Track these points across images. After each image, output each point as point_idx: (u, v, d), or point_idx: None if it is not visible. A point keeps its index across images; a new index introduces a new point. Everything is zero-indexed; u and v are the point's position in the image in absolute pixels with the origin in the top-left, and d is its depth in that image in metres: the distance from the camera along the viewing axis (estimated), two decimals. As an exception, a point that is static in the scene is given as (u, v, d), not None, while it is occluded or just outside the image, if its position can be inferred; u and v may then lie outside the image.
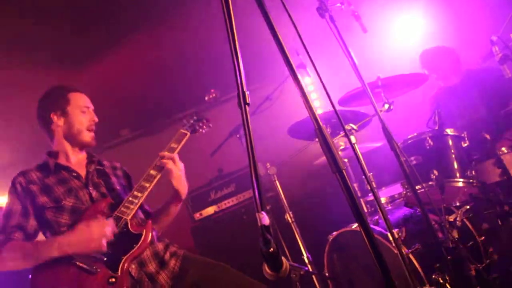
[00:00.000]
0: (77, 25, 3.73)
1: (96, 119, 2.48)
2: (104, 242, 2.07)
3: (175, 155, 2.41)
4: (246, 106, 1.17)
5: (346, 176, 1.22)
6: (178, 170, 2.38)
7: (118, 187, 2.43)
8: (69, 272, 2.03)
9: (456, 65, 3.90)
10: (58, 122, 2.41)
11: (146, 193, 2.28)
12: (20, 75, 3.84)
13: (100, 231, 2.07)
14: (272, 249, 1.09)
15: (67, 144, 2.42)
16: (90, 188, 2.34)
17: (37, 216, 2.23)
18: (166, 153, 2.40)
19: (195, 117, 2.74)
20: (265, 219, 1.05)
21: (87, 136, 2.43)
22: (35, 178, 2.31)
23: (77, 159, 2.44)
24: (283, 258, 1.19)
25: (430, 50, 3.98)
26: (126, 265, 2.08)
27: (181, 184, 2.40)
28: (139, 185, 2.30)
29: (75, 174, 2.36)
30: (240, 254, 3.90)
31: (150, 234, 2.19)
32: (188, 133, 2.61)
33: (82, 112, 2.44)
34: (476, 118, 3.71)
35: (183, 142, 2.53)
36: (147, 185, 2.29)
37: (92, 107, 2.50)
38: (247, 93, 1.20)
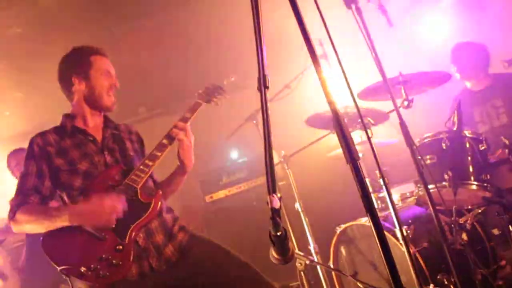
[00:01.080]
0: (99, 3, 3.75)
1: (117, 84, 2.46)
2: (114, 217, 2.09)
3: (187, 126, 2.41)
4: (266, 90, 1.18)
5: (360, 167, 1.22)
6: (187, 142, 2.38)
7: (132, 153, 2.44)
8: (78, 237, 2.07)
9: (485, 66, 3.76)
10: (80, 85, 2.40)
11: (157, 162, 2.29)
12: (41, 50, 3.88)
13: (112, 207, 2.09)
14: (280, 232, 1.10)
15: (86, 107, 2.42)
16: (105, 153, 2.35)
17: (52, 178, 2.27)
18: (179, 123, 2.40)
19: (210, 87, 2.71)
20: (276, 202, 1.06)
21: (108, 101, 2.42)
22: (51, 140, 2.32)
23: (94, 123, 2.44)
24: (290, 243, 1.20)
25: (462, 44, 3.83)
26: (134, 233, 2.11)
27: (188, 156, 2.40)
28: (151, 154, 2.31)
29: (91, 138, 2.37)
30: (248, 238, 3.94)
31: (159, 204, 2.21)
32: (203, 103, 2.59)
33: (103, 76, 2.42)
34: (497, 125, 3.65)
35: (197, 112, 2.52)
36: (159, 154, 2.30)
37: (113, 71, 2.48)
38: (267, 76, 1.20)
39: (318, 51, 3.44)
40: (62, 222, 2.09)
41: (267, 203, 1.10)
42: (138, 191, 2.20)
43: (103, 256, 2.03)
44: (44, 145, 2.29)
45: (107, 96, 2.42)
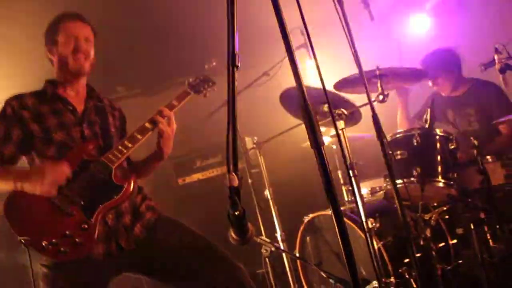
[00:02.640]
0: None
1: (86, 48, 2.35)
2: (54, 189, 2.04)
3: (172, 114, 2.37)
4: (235, 68, 1.16)
5: (324, 153, 1.22)
6: (169, 130, 2.34)
7: (112, 129, 2.39)
8: (45, 209, 2.03)
9: (455, 71, 3.72)
10: (51, 52, 2.37)
11: (136, 145, 2.24)
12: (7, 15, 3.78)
13: (53, 176, 2.04)
14: (238, 212, 1.10)
15: (62, 75, 2.36)
16: (84, 125, 2.29)
17: (22, 143, 2.21)
18: (165, 110, 2.36)
19: (201, 77, 2.67)
20: (234, 181, 1.06)
21: (74, 64, 2.31)
22: (29, 103, 2.26)
23: (75, 92, 2.38)
24: (249, 224, 1.20)
25: (431, 55, 3.74)
26: (101, 214, 2.08)
27: (167, 145, 2.37)
28: (132, 136, 2.26)
29: (71, 108, 2.31)
30: (217, 223, 3.89)
31: (131, 188, 2.17)
32: (192, 93, 2.56)
33: (69, 40, 2.32)
34: (469, 131, 3.68)
35: (184, 101, 2.49)
36: (140, 137, 2.26)
37: (86, 35, 2.37)
38: (238, 55, 1.19)
39: (299, 40, 3.42)
40: (5, 185, 2.08)
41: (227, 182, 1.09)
42: (113, 172, 2.16)
43: (67, 232, 2.01)
44: (18, 108, 2.23)
45: (73, 60, 2.31)
